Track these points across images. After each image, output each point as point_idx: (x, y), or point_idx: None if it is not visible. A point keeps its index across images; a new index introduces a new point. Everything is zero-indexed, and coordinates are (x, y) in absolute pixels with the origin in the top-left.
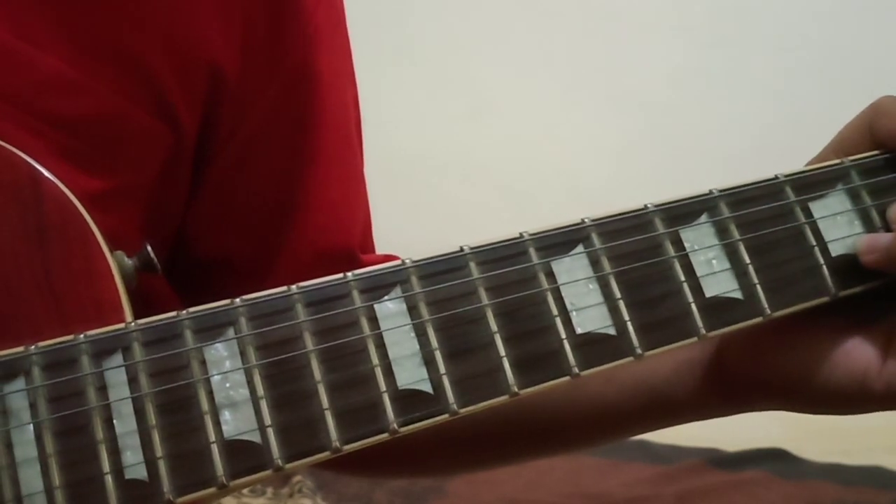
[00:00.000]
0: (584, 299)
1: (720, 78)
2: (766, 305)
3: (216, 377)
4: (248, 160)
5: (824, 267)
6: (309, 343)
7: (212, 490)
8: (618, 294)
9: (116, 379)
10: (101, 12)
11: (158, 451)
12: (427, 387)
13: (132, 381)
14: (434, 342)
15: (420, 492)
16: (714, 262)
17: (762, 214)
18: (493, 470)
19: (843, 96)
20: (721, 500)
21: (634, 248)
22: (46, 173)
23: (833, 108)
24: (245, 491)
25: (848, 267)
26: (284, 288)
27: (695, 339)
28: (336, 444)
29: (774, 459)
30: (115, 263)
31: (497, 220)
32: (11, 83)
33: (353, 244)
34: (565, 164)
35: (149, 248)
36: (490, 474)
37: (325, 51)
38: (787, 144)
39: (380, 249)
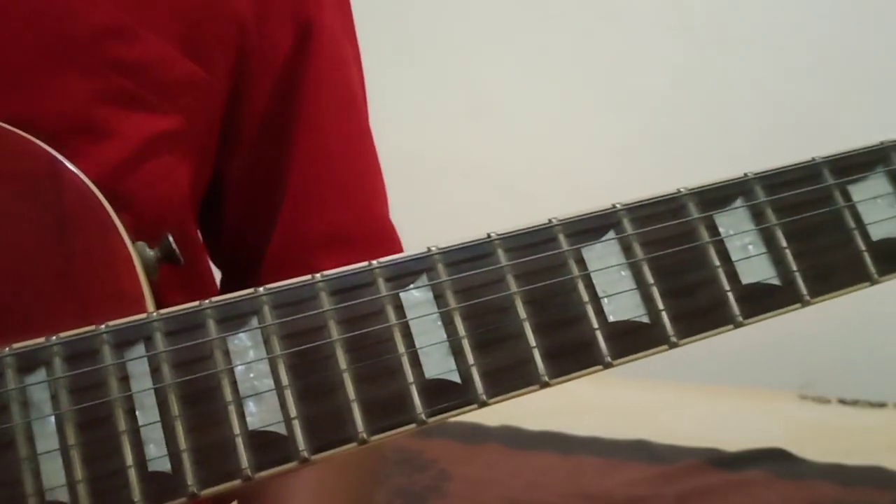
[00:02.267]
0: (616, 286)
1: (720, 78)
2: (805, 292)
3: (240, 367)
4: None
5: (865, 252)
6: (334, 332)
7: (236, 483)
8: (651, 281)
9: (138, 369)
10: None
11: (182, 443)
12: (455, 377)
13: (154, 371)
14: (462, 331)
15: (420, 491)
16: (750, 247)
17: (799, 198)
18: (494, 470)
19: (843, 96)
20: (721, 500)
21: (667, 233)
22: (67, 163)
23: (833, 108)
24: None
25: (890, 252)
26: (308, 277)
27: (731, 326)
28: (363, 435)
29: (774, 459)
30: (137, 254)
31: (497, 220)
32: (75, 30)
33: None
34: (565, 164)
35: (170, 238)
36: (490, 474)
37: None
38: (788, 144)
39: None
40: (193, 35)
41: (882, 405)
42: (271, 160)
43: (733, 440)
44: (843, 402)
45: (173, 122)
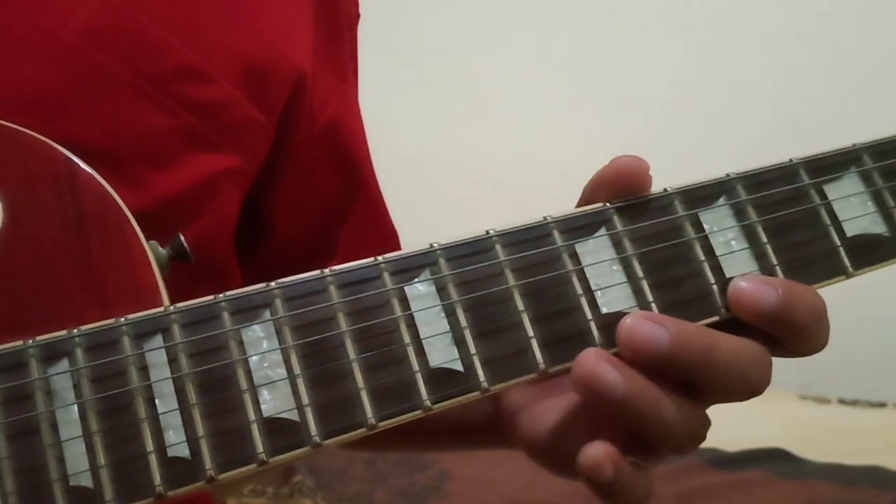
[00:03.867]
0: (608, 279)
1: (720, 78)
2: None
3: (254, 357)
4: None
5: (840, 247)
6: (343, 323)
7: (252, 467)
8: (641, 274)
9: (157, 360)
10: (222, 15)
11: (200, 429)
12: (458, 366)
13: (172, 361)
14: (463, 322)
15: (420, 492)
16: (733, 242)
17: (778, 196)
18: (494, 470)
19: (843, 96)
20: (721, 500)
21: (655, 229)
22: (83, 165)
23: (833, 108)
24: (245, 491)
25: (863, 247)
26: (317, 272)
27: (716, 317)
28: (372, 420)
29: (774, 459)
30: (151, 251)
31: (498, 221)
32: (156, 68)
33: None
34: (566, 165)
35: (181, 237)
36: (490, 474)
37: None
38: (788, 144)
39: None
40: (256, 81)
41: (882, 405)
42: (318, 195)
43: (733, 440)
44: (843, 402)
45: (232, 161)
